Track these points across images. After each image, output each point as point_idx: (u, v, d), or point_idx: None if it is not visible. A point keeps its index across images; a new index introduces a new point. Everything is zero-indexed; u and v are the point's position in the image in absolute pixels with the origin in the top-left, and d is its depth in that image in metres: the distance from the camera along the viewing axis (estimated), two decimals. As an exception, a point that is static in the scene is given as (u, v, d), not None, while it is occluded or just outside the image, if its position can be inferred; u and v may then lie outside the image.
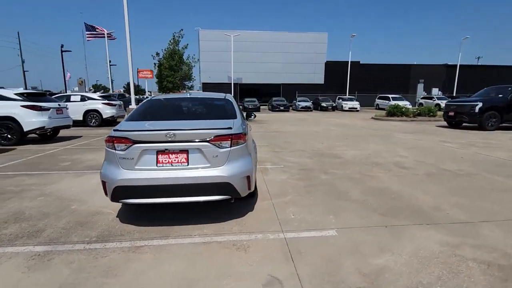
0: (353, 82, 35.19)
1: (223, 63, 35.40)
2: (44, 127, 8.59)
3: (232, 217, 3.26)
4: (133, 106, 13.79)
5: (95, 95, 14.50)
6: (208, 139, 2.84)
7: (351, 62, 34.61)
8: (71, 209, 3.50)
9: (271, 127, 13.03)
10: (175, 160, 2.83)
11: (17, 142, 8.28)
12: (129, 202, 2.87)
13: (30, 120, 8.38)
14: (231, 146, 2.90)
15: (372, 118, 18.76)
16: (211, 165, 2.86)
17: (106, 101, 14.07)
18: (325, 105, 29.30)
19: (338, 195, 3.96)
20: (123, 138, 2.80)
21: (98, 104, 13.82)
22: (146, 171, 2.80)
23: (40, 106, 8.54)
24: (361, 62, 38.21)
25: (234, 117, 3.41)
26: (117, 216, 3.28)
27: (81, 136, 10.33)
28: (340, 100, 30.39)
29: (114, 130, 2.92)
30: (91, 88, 64.95)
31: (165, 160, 2.82)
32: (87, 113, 13.70)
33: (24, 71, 36.52)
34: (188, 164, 2.83)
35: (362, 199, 3.81)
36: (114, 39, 39.11)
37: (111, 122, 14.04)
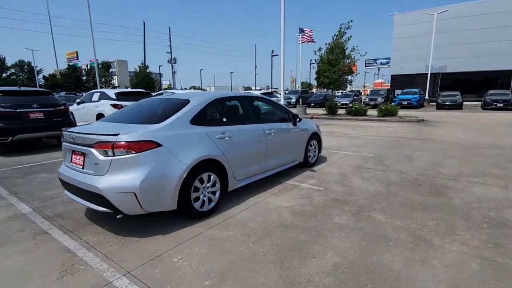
0: None
1: (420, 49, 29.57)
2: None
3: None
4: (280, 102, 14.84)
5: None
6: (91, 145, 2.86)
7: None
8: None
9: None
10: (77, 161, 3.08)
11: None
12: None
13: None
14: (113, 155, 2.77)
15: None
16: (94, 173, 2.87)
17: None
18: None
19: None
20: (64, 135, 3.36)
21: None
22: (65, 167, 3.26)
23: (121, 105, 9.14)
24: None
25: (160, 121, 3.15)
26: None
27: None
28: None
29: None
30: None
31: (73, 160, 3.14)
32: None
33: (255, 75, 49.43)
34: (83, 168, 3.01)
35: None
36: (313, 42, 42.58)
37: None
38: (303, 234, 3.00)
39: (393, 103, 18.33)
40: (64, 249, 2.73)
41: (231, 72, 77.05)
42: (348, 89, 33.84)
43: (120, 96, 9.75)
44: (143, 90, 11.48)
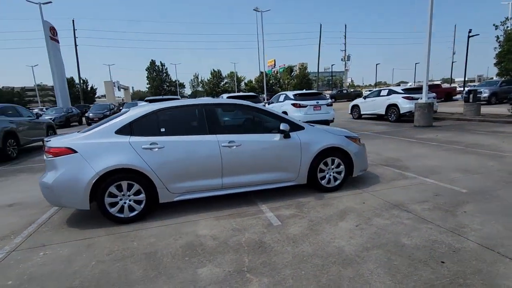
0: None
1: None
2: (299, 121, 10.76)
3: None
4: (423, 100, 11.19)
5: (399, 89, 13.66)
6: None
7: None
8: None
9: None
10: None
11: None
12: None
13: (294, 114, 10.92)
14: (46, 158, 3.51)
15: None
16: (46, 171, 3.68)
17: (406, 95, 12.81)
18: None
19: None
20: None
21: (398, 98, 13.05)
22: None
23: (300, 104, 10.82)
24: None
25: (89, 130, 3.60)
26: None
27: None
28: None
29: None
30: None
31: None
32: (389, 107, 13.54)
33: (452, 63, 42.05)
34: None
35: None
36: None
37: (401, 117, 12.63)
38: (148, 272, 2.56)
39: None
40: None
41: (416, 63, 64.47)
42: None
43: (298, 96, 11.11)
44: (316, 91, 12.71)
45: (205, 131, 3.80)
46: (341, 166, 4.32)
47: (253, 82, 60.90)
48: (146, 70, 60.86)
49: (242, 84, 63.97)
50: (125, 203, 3.54)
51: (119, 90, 72.22)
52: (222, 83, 62.63)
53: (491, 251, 2.57)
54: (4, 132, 8.38)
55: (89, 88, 55.35)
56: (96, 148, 3.46)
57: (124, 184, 3.50)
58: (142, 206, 3.59)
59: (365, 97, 15.18)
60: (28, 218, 3.91)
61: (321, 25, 43.05)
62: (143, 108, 3.80)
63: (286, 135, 4.01)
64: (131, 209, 3.57)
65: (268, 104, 13.57)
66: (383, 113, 13.64)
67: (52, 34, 29.60)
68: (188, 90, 68.37)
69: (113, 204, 3.50)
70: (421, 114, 11.15)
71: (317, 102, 10.87)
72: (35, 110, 33.48)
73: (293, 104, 10.87)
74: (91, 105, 31.88)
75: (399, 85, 50.28)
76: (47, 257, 2.88)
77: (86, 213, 3.87)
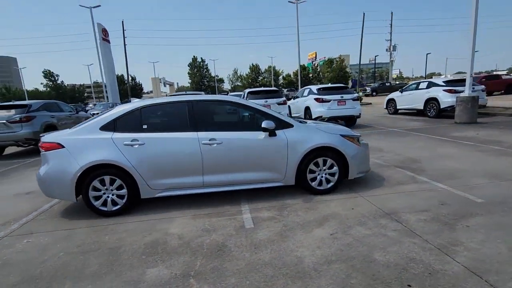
0: None
1: None
2: (321, 116, 10.32)
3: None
4: (465, 93, 9.82)
5: (440, 81, 12.27)
6: None
7: None
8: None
9: None
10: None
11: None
12: None
13: (317, 109, 10.47)
14: (40, 152, 3.76)
15: None
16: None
17: (448, 88, 11.49)
18: None
19: None
20: None
21: (438, 91, 11.78)
22: None
23: (322, 99, 10.33)
24: None
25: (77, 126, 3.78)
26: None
27: (370, 126, 10.44)
28: None
29: None
30: None
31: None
32: (428, 102, 12.31)
33: None
34: None
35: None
36: None
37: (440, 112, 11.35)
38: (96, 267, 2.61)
39: None
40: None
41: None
42: None
43: (322, 90, 10.69)
44: (341, 85, 11.91)
45: (186, 128, 3.76)
46: (335, 167, 3.98)
47: (291, 76, 59.89)
48: (188, 66, 63.23)
49: (280, 78, 63.31)
50: (108, 197, 3.66)
51: (164, 85, 76.41)
52: (260, 77, 62.62)
53: (478, 278, 2.14)
54: (45, 126, 9.28)
55: (137, 85, 59.24)
56: (81, 144, 3.61)
57: (107, 179, 3.62)
58: (124, 200, 3.69)
59: (402, 90, 13.95)
60: (36, 205, 4.25)
61: (364, 13, 40.45)
62: (128, 105, 3.88)
63: (271, 133, 3.79)
64: (114, 203, 3.68)
65: (294, 99, 13.20)
66: (421, 107, 12.43)
67: (104, 35, 32.18)
68: (227, 85, 69.75)
69: (97, 198, 3.64)
70: (463, 109, 9.91)
71: (342, 97, 10.26)
72: (90, 105, 36.93)
73: (316, 99, 10.40)
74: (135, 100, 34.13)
75: (431, 77, 45.56)
76: (27, 245, 3.09)
77: (80, 205, 4.09)
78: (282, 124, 3.91)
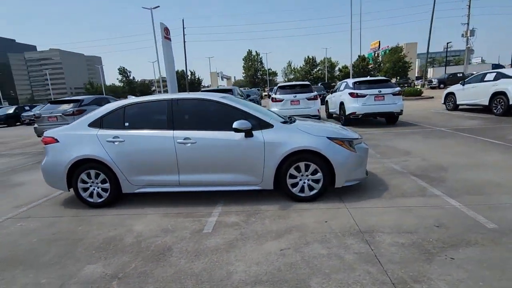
0: None
1: None
2: (355, 113, 9.50)
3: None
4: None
5: (511, 71, 10.15)
6: None
7: None
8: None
9: None
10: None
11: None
12: None
13: (351, 105, 9.67)
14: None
15: None
16: None
17: None
18: None
19: None
20: None
21: (508, 84, 9.83)
22: None
23: (357, 93, 9.49)
24: None
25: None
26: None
27: (415, 124, 9.29)
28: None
29: None
30: None
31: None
32: (494, 96, 10.39)
33: None
34: None
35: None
36: None
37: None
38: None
39: None
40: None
41: None
42: None
43: (357, 84, 9.73)
44: (382, 78, 10.62)
45: (164, 126, 3.77)
46: (319, 174, 3.58)
47: (348, 68, 56.43)
48: (243, 60, 64.41)
49: (336, 70, 60.27)
50: (94, 189, 3.90)
51: (222, 80, 79.43)
52: (315, 70, 60.53)
53: (419, 330, 1.68)
54: (94, 119, 10.45)
55: (196, 79, 62.71)
56: (72, 139, 3.91)
57: (93, 172, 3.86)
58: (107, 194, 3.89)
59: (463, 83, 11.98)
60: (49, 192, 4.77)
61: (434, -5, 35.72)
62: (114, 103, 4.05)
63: (247, 133, 3.58)
64: (99, 195, 3.92)
65: (331, 93, 12.40)
66: (486, 103, 10.53)
67: (165, 33, 34.83)
68: (280, 78, 69.21)
69: (85, 189, 3.92)
70: (537, 105, 8.07)
71: (380, 91, 9.26)
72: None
73: (350, 94, 9.58)
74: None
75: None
76: (17, 228, 3.48)
77: (80, 194, 4.45)
78: (261, 124, 3.66)
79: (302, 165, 3.59)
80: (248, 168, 3.64)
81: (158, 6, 28.88)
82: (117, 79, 72.45)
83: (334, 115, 11.86)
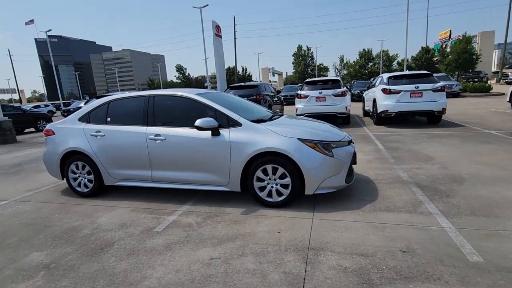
0: None
1: None
2: (387, 111, 8.58)
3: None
4: None
5: None
6: None
7: None
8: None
9: None
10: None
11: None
12: None
13: (383, 102, 8.76)
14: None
15: None
16: None
17: None
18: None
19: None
20: None
21: None
22: None
23: (390, 90, 8.55)
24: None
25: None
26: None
27: (460, 125, 8.06)
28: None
29: None
30: None
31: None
32: None
33: None
34: None
35: None
36: None
37: None
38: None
39: None
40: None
41: None
42: None
43: (392, 80, 8.79)
44: (423, 72, 9.04)
45: (140, 122, 3.83)
46: (287, 178, 3.26)
47: (409, 61, 51.39)
48: (293, 55, 63.28)
49: (395, 63, 55.36)
50: (82, 180, 4.16)
51: (273, 75, 79.38)
52: (370, 64, 56.51)
53: None
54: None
55: (246, 75, 63.74)
56: (64, 132, 4.21)
57: (80, 164, 4.11)
58: (92, 184, 4.11)
59: (368, 87, 10.44)
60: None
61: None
62: (102, 99, 4.24)
63: (214, 132, 3.42)
64: (86, 186, 4.16)
65: (367, 89, 11.40)
66: None
67: (217, 31, 36.00)
68: (332, 73, 66.27)
69: (75, 179, 4.20)
70: None
71: (417, 87, 8.19)
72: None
73: (383, 90, 8.65)
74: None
75: None
76: (11, 210, 3.88)
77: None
78: (230, 123, 3.46)
79: (269, 168, 3.30)
80: (215, 168, 3.49)
81: (207, 5, 29.89)
82: (175, 76, 77.51)
83: (370, 113, 10.91)
